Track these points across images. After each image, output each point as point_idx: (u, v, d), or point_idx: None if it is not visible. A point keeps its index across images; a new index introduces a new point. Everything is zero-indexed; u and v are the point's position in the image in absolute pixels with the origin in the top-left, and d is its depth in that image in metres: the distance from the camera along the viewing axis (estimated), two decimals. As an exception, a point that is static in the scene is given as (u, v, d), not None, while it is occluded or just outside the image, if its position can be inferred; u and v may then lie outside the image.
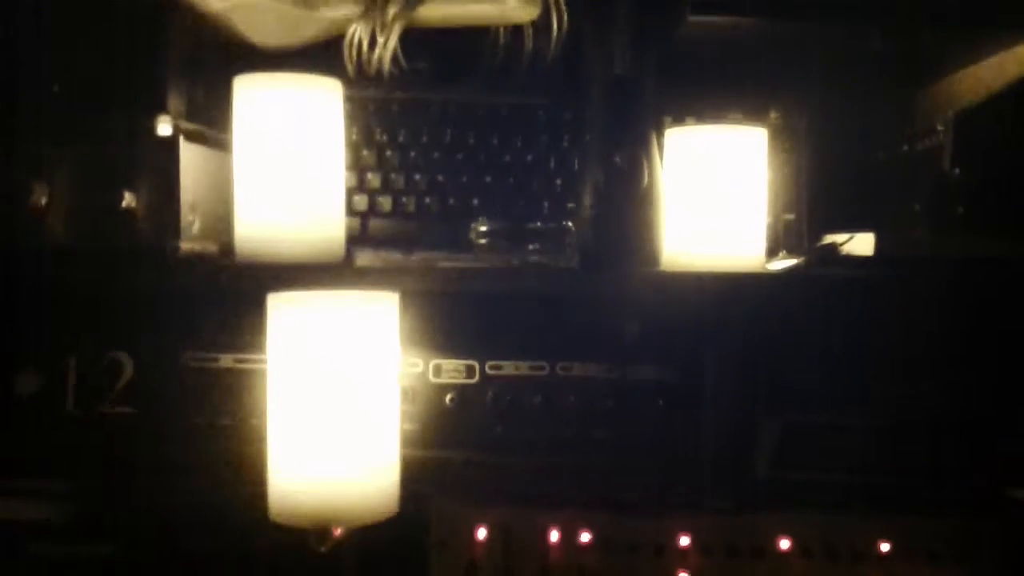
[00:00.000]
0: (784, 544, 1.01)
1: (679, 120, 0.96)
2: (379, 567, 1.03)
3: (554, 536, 1.03)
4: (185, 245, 0.88)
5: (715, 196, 0.90)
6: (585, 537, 1.03)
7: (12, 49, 0.90)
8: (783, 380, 0.91)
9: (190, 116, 0.94)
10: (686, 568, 1.02)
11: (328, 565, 1.01)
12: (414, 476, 0.83)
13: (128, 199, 0.87)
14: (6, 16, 0.90)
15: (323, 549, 0.78)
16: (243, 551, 0.95)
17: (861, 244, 0.93)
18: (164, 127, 0.90)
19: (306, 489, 0.78)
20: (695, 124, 0.93)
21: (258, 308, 0.83)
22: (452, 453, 0.89)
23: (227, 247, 0.90)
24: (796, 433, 0.93)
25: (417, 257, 0.91)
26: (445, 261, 0.90)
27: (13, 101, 0.89)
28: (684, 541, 1.02)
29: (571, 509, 1.03)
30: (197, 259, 0.88)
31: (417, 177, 1.01)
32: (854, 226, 0.94)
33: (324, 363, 0.78)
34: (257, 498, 0.82)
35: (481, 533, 1.04)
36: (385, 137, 1.01)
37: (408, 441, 0.83)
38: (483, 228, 0.96)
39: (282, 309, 0.79)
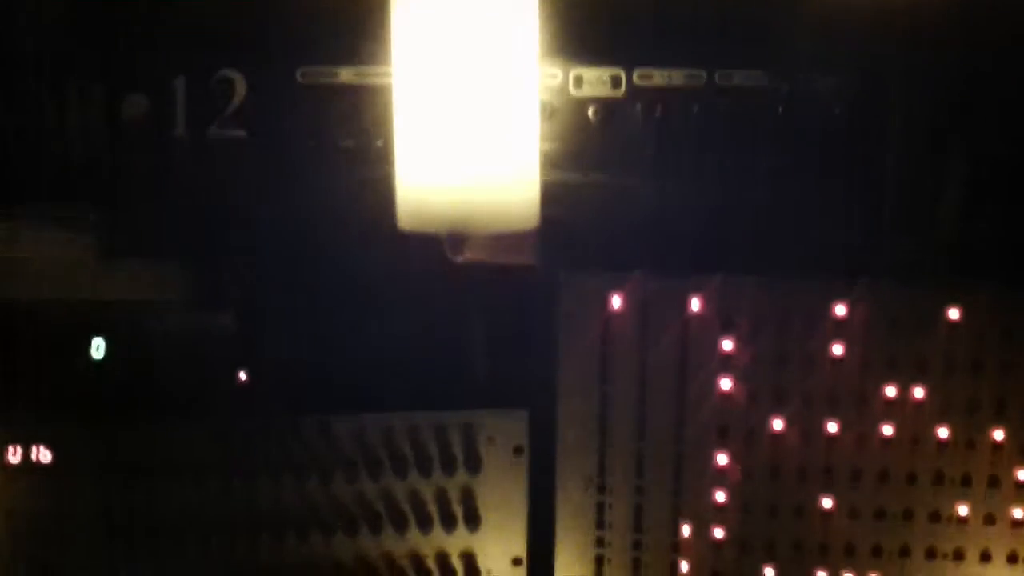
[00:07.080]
0: (953, 314, 0.90)
1: None
2: (508, 340, 0.96)
3: (695, 306, 0.94)
4: (297, -47, 0.79)
5: None
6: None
7: None
8: (979, 106, 0.78)
9: None
10: (842, 339, 0.92)
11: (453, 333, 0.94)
12: (553, 201, 0.75)
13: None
14: None
15: (458, 259, 0.70)
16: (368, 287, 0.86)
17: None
18: None
19: (438, 194, 0.69)
20: None
21: (380, 15, 0.74)
22: (596, 176, 0.79)
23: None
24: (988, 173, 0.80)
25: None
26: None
27: None
28: (840, 310, 0.92)
29: (714, 276, 0.93)
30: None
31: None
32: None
33: (455, 58, 0.69)
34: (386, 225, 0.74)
35: (615, 302, 0.95)
36: None
37: (547, 161, 0.74)
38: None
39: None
